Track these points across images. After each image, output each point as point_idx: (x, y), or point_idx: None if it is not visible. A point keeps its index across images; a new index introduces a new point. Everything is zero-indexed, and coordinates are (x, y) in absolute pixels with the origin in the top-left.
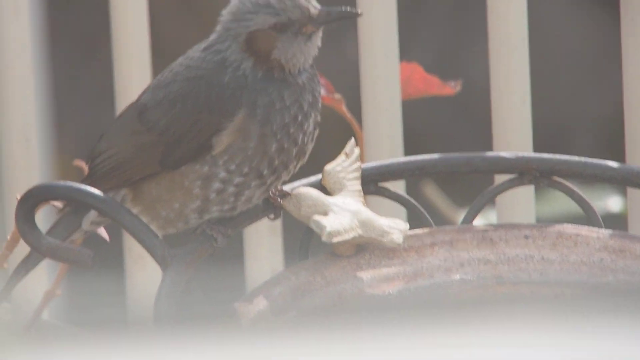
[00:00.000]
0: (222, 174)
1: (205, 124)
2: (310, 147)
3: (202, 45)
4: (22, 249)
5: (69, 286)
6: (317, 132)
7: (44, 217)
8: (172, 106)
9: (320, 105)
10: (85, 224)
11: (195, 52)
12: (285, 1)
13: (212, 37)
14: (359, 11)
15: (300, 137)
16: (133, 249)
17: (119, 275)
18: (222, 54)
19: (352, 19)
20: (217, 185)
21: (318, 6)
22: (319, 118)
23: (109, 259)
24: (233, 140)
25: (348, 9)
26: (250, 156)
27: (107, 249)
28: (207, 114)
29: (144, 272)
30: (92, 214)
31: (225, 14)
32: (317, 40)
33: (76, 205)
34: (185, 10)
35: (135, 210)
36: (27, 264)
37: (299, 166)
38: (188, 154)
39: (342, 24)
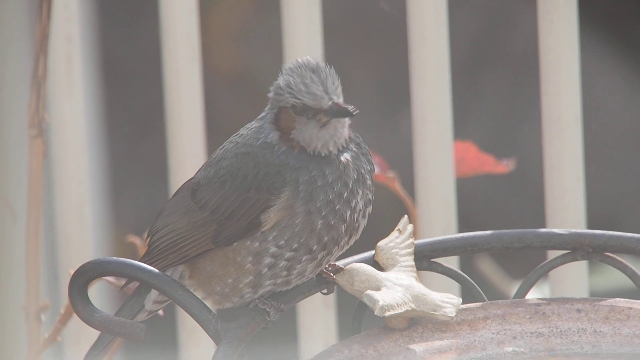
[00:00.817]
0: (273, 249)
1: (254, 201)
2: (362, 223)
3: (254, 122)
4: (75, 322)
5: (122, 359)
6: (369, 209)
7: (98, 291)
8: (222, 185)
9: (370, 183)
10: (148, 304)
11: (245, 129)
12: (300, 86)
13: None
14: (356, 111)
15: (349, 214)
16: (187, 323)
17: (173, 350)
18: (261, 122)
19: (352, 118)
20: (268, 260)
21: (336, 99)
22: (370, 196)
23: (163, 333)
24: (280, 217)
25: (352, 108)
26: (298, 232)
27: (161, 323)
28: (255, 192)
29: (197, 346)
30: (154, 294)
31: (271, 88)
32: (336, 127)
33: (140, 284)
34: (239, 87)
35: (192, 286)
36: (97, 348)
37: (351, 242)
38: (239, 231)
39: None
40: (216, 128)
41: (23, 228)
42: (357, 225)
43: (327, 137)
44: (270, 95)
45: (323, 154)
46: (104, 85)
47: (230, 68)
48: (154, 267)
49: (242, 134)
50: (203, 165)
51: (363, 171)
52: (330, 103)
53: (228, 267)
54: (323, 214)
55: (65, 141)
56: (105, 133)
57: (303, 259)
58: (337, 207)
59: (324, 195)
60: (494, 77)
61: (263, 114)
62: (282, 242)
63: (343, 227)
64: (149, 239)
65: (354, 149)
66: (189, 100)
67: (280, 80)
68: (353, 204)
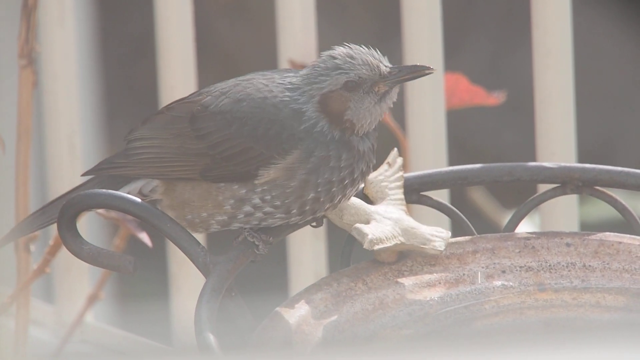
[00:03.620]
0: (256, 200)
1: (257, 154)
2: (343, 202)
3: (288, 78)
4: (65, 254)
5: (112, 290)
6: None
7: (87, 223)
8: (229, 124)
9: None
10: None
11: (278, 79)
12: (352, 60)
13: (297, 79)
14: (432, 67)
15: (338, 198)
16: (177, 255)
17: (163, 281)
18: (301, 107)
19: (423, 75)
20: (248, 208)
21: (389, 64)
22: (362, 185)
23: (153, 265)
24: (278, 176)
25: (419, 65)
26: (287, 194)
27: (151, 255)
28: (263, 147)
29: (187, 278)
30: None
31: (300, 76)
32: (390, 101)
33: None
34: (235, 13)
35: (162, 205)
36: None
37: (327, 211)
38: (232, 175)
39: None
40: (211, 55)
41: (12, 158)
42: (338, 204)
43: (380, 113)
44: (302, 87)
45: (365, 137)
46: (96, 13)
47: None
48: (126, 171)
49: (271, 89)
50: (212, 89)
51: (371, 165)
52: (388, 69)
53: (207, 202)
54: (319, 189)
55: (55, 71)
56: (97, 61)
57: (277, 217)
58: (334, 189)
59: (329, 175)
60: (485, 8)
61: (300, 98)
62: (269, 197)
63: (328, 204)
64: (128, 142)
65: (372, 140)
66: (180, 27)
67: (318, 69)
68: (347, 191)
